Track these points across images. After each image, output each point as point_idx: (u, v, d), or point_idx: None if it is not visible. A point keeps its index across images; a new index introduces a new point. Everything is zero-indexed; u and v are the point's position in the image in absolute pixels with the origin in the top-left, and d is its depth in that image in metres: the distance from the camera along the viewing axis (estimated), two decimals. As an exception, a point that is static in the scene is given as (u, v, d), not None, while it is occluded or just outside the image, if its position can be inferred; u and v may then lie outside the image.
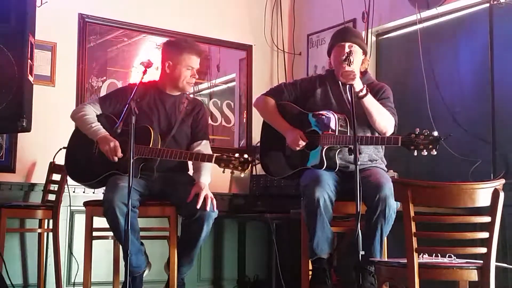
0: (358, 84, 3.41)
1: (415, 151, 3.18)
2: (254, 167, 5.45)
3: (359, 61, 3.67)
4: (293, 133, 3.61)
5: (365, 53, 3.72)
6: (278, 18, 5.87)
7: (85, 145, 3.73)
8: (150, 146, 3.56)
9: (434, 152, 3.14)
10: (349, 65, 3.38)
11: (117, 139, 3.57)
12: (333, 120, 3.50)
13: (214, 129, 5.55)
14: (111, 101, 3.80)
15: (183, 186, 3.66)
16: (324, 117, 3.54)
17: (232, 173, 3.43)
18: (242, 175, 3.47)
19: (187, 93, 3.95)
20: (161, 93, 3.82)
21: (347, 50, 3.58)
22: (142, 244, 3.63)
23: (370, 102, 3.45)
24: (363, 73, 3.76)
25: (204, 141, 3.82)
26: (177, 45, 3.83)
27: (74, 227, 4.86)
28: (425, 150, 3.16)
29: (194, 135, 3.83)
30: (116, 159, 3.57)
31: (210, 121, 5.52)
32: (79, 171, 3.79)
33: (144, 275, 3.66)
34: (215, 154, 3.46)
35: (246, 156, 3.41)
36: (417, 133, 3.19)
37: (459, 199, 2.66)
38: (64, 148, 3.91)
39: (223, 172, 3.44)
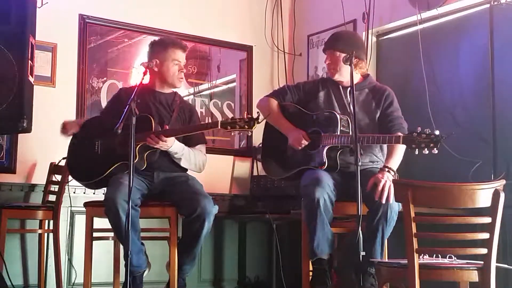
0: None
1: (416, 149, 3.17)
2: (255, 166, 5.47)
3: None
4: (295, 133, 3.63)
5: (356, 57, 3.57)
6: (279, 19, 5.87)
7: (87, 144, 3.74)
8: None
9: (435, 151, 3.13)
10: (350, 66, 3.39)
11: (118, 135, 3.56)
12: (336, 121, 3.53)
13: (214, 130, 5.52)
14: (112, 110, 3.79)
15: (181, 184, 3.67)
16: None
17: (239, 133, 3.44)
18: (249, 133, 3.47)
19: (178, 91, 3.99)
20: (153, 92, 3.84)
21: (329, 58, 3.68)
22: (142, 244, 3.64)
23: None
24: (365, 77, 3.76)
25: (199, 145, 3.82)
26: (161, 42, 3.88)
27: (75, 228, 4.86)
28: (426, 149, 3.15)
29: (188, 139, 3.80)
30: None
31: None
32: (82, 170, 3.79)
33: (144, 275, 3.66)
34: (219, 120, 3.48)
35: (249, 115, 3.41)
36: (418, 131, 3.19)
37: (459, 199, 2.66)
38: (64, 158, 3.91)
39: (232, 134, 3.47)
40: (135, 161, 3.51)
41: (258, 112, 3.42)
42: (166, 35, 4.80)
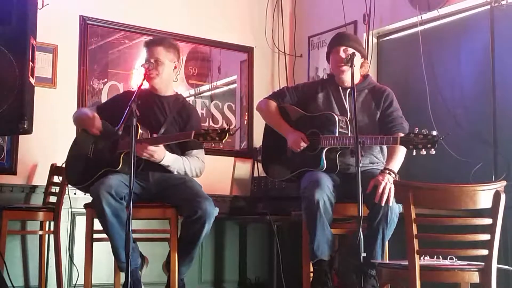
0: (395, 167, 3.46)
1: (414, 150, 3.16)
2: (256, 167, 5.46)
3: (358, 64, 3.67)
4: (294, 134, 3.62)
5: (363, 56, 3.72)
6: (279, 20, 5.87)
7: (83, 147, 3.77)
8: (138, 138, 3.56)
9: (433, 152, 3.13)
10: (351, 67, 3.39)
11: (114, 138, 3.57)
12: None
13: (215, 131, 5.54)
14: (107, 110, 3.82)
15: (181, 185, 3.67)
16: None
17: (212, 144, 3.42)
18: (221, 145, 3.43)
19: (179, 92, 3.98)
20: (153, 96, 3.84)
21: (341, 54, 3.61)
22: (134, 241, 3.60)
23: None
24: (364, 77, 3.76)
25: (195, 151, 3.78)
26: None
27: (75, 229, 4.86)
28: (423, 150, 3.13)
29: (184, 145, 3.76)
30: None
31: (211, 123, 5.53)
32: (74, 174, 3.83)
33: (142, 272, 3.66)
34: (193, 131, 3.44)
35: (224, 127, 3.39)
36: (416, 132, 3.18)
37: (460, 201, 2.65)
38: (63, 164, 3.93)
39: (204, 146, 3.48)
40: (118, 168, 3.57)
41: (227, 124, 3.41)
42: (167, 36, 4.80)
